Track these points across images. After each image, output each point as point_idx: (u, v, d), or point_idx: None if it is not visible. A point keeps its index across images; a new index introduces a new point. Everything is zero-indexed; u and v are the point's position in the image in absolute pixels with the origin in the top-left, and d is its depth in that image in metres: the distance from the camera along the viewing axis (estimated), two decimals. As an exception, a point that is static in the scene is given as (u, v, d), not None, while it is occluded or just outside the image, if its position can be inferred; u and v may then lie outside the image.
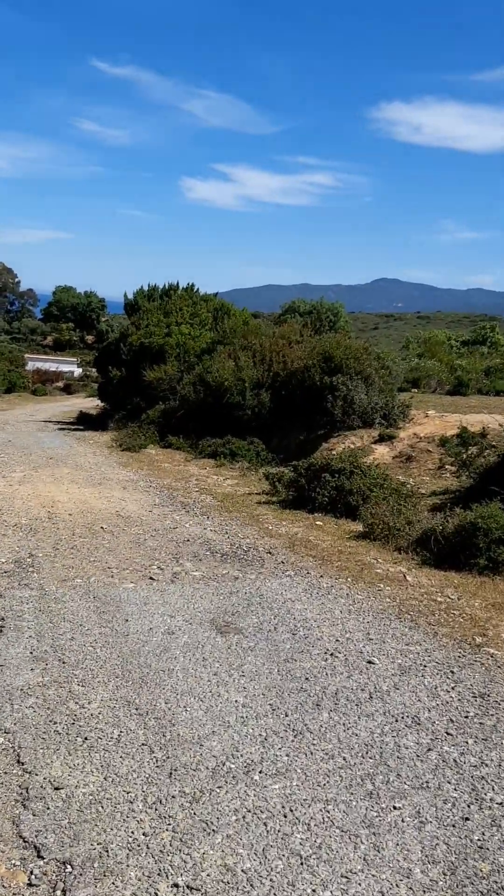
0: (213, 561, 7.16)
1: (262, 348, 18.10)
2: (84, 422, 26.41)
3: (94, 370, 35.93)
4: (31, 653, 4.67)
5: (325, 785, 3.35)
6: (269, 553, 7.61)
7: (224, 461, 14.65)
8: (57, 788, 3.22)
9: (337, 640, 5.20)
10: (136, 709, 4.00)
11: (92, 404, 31.43)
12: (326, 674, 4.61)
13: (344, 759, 3.59)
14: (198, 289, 27.15)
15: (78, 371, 48.18)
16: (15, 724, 3.78)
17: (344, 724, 3.96)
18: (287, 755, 3.59)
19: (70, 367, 49.47)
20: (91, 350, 50.71)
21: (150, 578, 6.42)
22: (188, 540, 7.98)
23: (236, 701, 4.16)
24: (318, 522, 9.41)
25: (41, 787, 3.24)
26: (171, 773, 3.38)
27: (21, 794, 3.19)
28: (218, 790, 3.26)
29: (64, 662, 4.55)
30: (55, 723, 3.80)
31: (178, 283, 27.43)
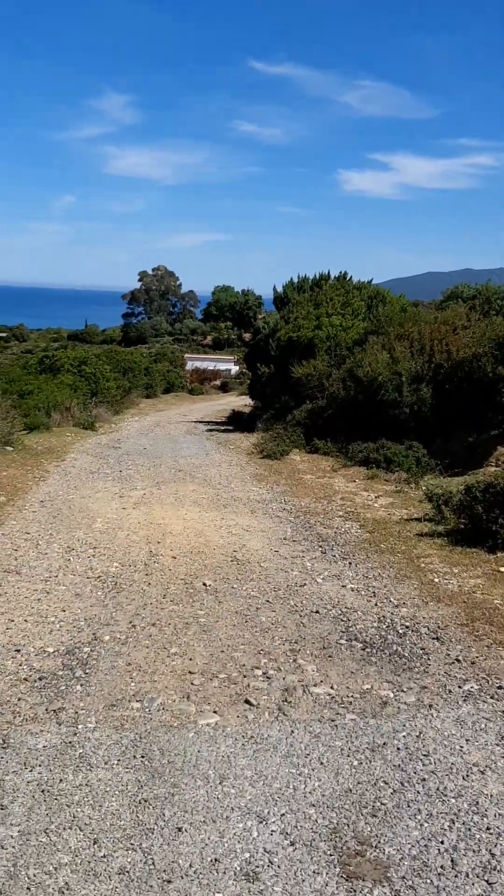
0: (349, 659, 4.55)
1: (422, 336, 15.07)
2: (234, 422, 24.52)
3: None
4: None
5: None
6: (437, 639, 4.88)
7: (377, 471, 11.89)
8: None
9: None
10: None
11: (245, 402, 29.57)
12: None
13: None
14: (351, 277, 24.41)
15: (235, 369, 46.62)
16: None
17: None
18: None
19: (227, 365, 48.04)
20: (248, 347, 49.33)
21: (247, 703, 3.91)
22: (317, 611, 5.40)
23: None
24: (502, 569, 6.56)
25: None
26: None
27: None
28: None
29: None
30: None
31: (329, 273, 24.82)
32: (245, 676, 4.24)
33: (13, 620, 5.14)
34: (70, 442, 16.07)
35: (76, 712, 3.77)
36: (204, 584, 6.00)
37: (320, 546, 7.37)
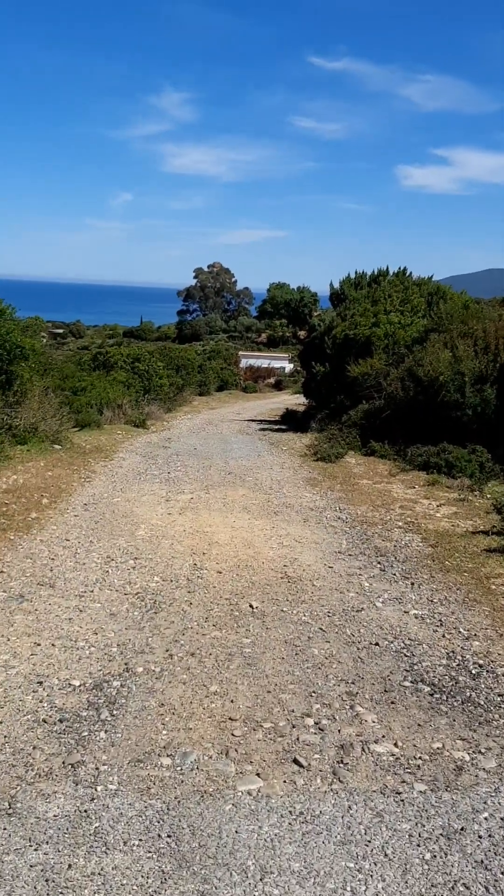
0: (415, 706, 3.91)
1: (486, 334, 14.18)
2: (288, 421, 23.89)
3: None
4: None
5: None
6: (517, 683, 4.21)
7: (438, 476, 11.13)
8: None
9: None
10: None
11: (299, 401, 28.92)
12: None
13: None
14: (410, 273, 23.50)
15: (289, 367, 45.94)
16: None
17: None
18: None
19: (282, 363, 47.38)
20: (303, 345, 48.49)
21: (295, 763, 3.32)
22: (377, 643, 4.76)
23: None
24: None
25: None
26: None
27: None
28: None
29: None
30: None
31: (387, 269, 23.95)
32: (294, 727, 3.64)
33: (39, 644, 4.65)
34: (120, 440, 15.72)
35: (97, 768, 3.23)
36: (251, 606, 5.42)
37: (379, 562, 6.72)
